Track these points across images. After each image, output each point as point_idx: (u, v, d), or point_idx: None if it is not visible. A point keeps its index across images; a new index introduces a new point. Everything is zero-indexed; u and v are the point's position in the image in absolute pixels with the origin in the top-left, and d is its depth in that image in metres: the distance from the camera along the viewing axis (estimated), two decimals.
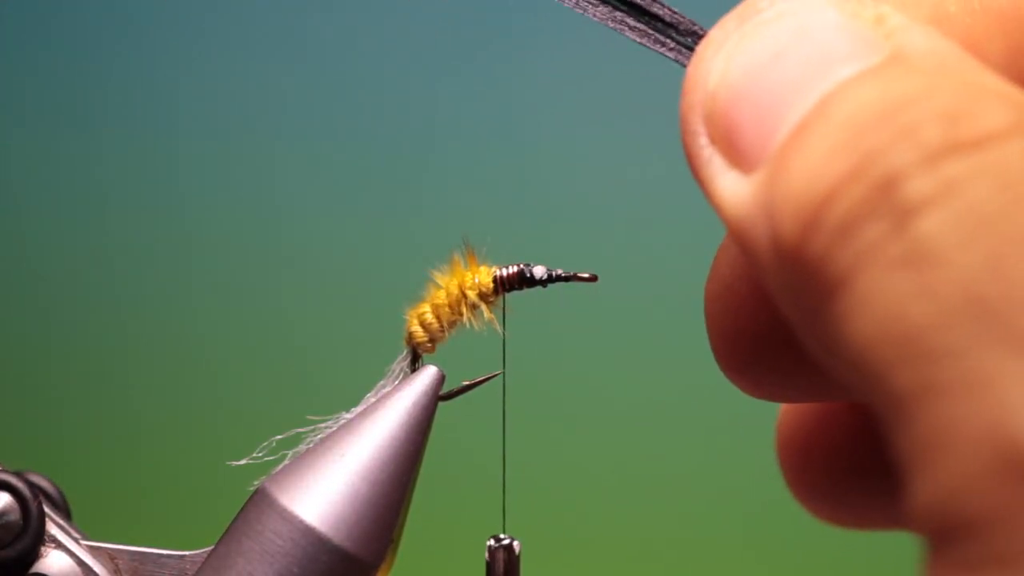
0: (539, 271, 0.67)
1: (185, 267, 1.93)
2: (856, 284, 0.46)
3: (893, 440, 0.45)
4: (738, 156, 0.51)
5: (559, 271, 0.67)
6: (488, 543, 0.67)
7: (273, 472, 0.63)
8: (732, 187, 0.51)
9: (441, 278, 0.66)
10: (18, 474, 0.64)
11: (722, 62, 0.52)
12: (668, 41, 0.58)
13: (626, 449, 1.89)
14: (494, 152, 1.90)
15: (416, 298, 0.67)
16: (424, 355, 0.66)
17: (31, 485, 0.64)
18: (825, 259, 0.48)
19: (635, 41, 0.58)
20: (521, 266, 0.66)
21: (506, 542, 0.67)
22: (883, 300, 0.45)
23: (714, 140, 0.51)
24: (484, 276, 0.66)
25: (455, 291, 0.66)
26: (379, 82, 1.92)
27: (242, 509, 0.62)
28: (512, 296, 0.67)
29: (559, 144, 1.89)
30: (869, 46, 0.50)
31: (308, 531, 0.60)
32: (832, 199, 0.48)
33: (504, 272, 0.66)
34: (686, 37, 0.58)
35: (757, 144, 0.50)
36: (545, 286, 0.67)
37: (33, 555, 0.64)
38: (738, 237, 0.50)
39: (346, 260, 1.93)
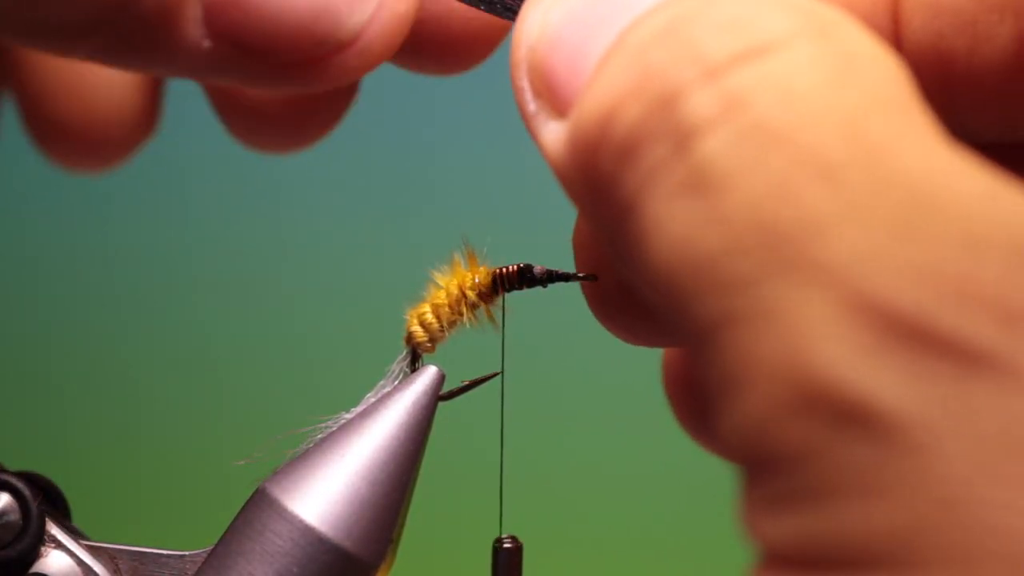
0: (539, 271, 0.66)
1: (185, 267, 1.93)
2: (644, 210, 0.44)
3: (701, 372, 0.43)
4: (557, 103, 0.49)
5: (559, 271, 0.67)
6: (495, 544, 0.67)
7: (273, 472, 0.63)
8: (553, 134, 0.49)
9: (441, 278, 0.66)
10: (18, 474, 0.64)
11: (541, 15, 0.51)
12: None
13: (627, 448, 1.89)
14: (494, 152, 1.90)
15: (416, 298, 0.67)
16: (424, 355, 0.66)
17: (31, 485, 0.64)
18: (613, 184, 0.46)
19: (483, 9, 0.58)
20: (521, 266, 0.66)
21: (508, 543, 0.67)
22: (671, 228, 0.43)
23: (538, 93, 0.50)
24: (484, 276, 0.66)
25: (455, 291, 0.66)
26: (380, 82, 1.92)
27: (242, 509, 0.62)
28: (512, 296, 0.67)
29: None
30: None
31: (308, 531, 0.60)
32: (612, 118, 0.46)
33: (504, 272, 0.66)
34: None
35: (570, 87, 0.49)
36: (545, 286, 0.67)
37: (33, 555, 0.64)
38: (560, 181, 0.49)
39: (346, 260, 1.93)
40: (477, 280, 0.66)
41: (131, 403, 1.97)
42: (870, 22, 0.55)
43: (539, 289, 0.67)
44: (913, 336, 0.40)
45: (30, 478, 0.65)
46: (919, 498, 0.38)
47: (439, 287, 0.66)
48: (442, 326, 0.66)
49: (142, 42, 0.55)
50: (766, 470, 0.41)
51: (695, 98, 0.44)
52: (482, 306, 0.66)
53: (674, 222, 0.43)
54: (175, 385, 1.96)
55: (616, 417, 1.90)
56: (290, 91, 0.61)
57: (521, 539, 0.67)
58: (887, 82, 0.44)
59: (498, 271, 0.66)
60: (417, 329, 0.66)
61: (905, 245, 0.40)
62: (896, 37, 0.55)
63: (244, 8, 0.55)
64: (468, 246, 0.66)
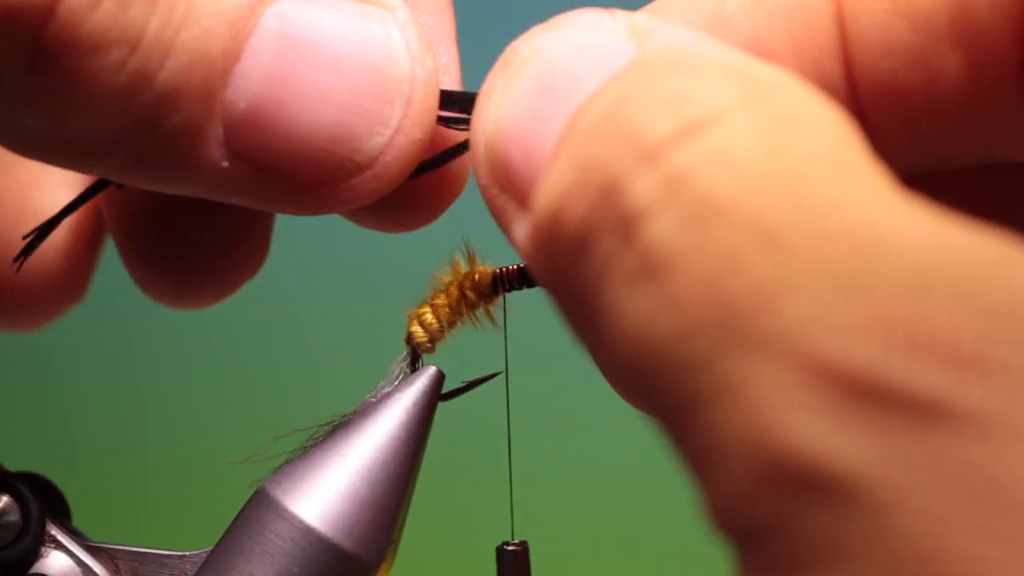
0: None
1: None
2: (600, 302, 0.44)
3: (677, 451, 0.43)
4: (520, 198, 0.49)
5: None
6: (498, 547, 0.67)
7: (273, 472, 0.63)
8: (521, 229, 0.49)
9: (441, 278, 0.66)
10: (18, 474, 0.64)
11: (493, 111, 0.51)
12: None
13: (629, 448, 1.89)
14: None
15: (416, 298, 0.66)
16: (424, 355, 0.66)
17: (31, 485, 0.64)
18: (569, 279, 0.45)
19: None
20: (521, 266, 0.66)
21: (515, 547, 0.67)
22: (628, 317, 0.43)
23: (502, 189, 0.50)
24: (484, 276, 0.66)
25: (455, 291, 0.66)
26: None
27: (242, 509, 0.62)
28: (512, 296, 0.66)
29: None
30: (616, 56, 0.48)
31: (308, 531, 0.60)
32: (560, 214, 0.45)
33: (504, 272, 0.66)
34: None
35: (529, 181, 0.48)
36: None
37: (33, 555, 0.64)
38: (536, 277, 0.49)
39: (346, 260, 1.93)
40: (477, 280, 0.66)
41: (131, 403, 1.97)
42: (821, 69, 0.55)
43: (539, 289, 0.67)
44: (866, 393, 0.39)
45: (30, 478, 0.65)
46: (889, 558, 0.38)
47: (439, 287, 0.66)
48: (442, 326, 0.66)
49: (163, 160, 0.55)
50: (750, 544, 0.41)
51: (635, 184, 0.43)
52: (482, 306, 0.66)
53: (630, 311, 0.43)
54: (175, 385, 1.96)
55: (617, 417, 1.90)
56: (305, 212, 0.61)
57: (526, 539, 0.67)
58: (827, 138, 0.43)
59: (498, 271, 0.66)
60: (417, 329, 0.66)
61: (851, 301, 0.40)
62: (850, 80, 0.55)
63: (264, 130, 0.55)
64: (468, 246, 0.66)
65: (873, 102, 0.55)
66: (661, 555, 1.90)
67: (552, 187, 0.46)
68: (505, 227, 0.50)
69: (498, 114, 0.50)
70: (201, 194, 0.57)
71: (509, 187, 0.50)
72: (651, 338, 0.42)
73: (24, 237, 0.65)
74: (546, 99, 0.49)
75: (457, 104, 0.59)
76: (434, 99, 0.57)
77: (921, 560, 0.37)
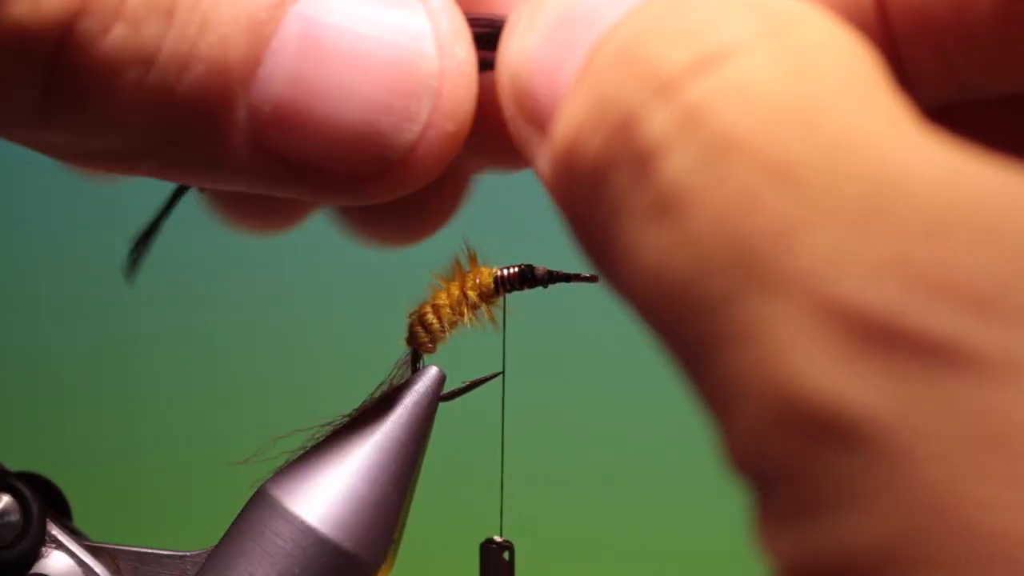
0: (540, 272, 0.66)
1: (186, 267, 1.93)
2: (617, 239, 0.43)
3: (696, 393, 0.42)
4: (544, 128, 0.49)
5: (560, 271, 0.67)
6: (482, 545, 0.67)
7: (274, 473, 0.63)
8: (544, 160, 0.49)
9: (442, 279, 0.66)
10: (18, 474, 0.64)
11: (517, 44, 0.50)
12: None
13: (626, 451, 1.89)
14: None
15: (417, 299, 0.66)
16: (425, 355, 0.66)
17: (32, 485, 0.64)
18: (587, 213, 0.45)
19: None
20: (522, 266, 0.66)
21: (498, 544, 0.67)
22: (644, 255, 0.42)
23: (527, 120, 0.50)
24: (485, 277, 0.66)
25: (456, 292, 0.66)
26: None
27: (243, 509, 0.62)
28: (513, 296, 0.66)
29: None
30: None
31: (309, 531, 0.60)
32: (577, 148, 0.45)
33: (505, 272, 0.66)
34: None
35: (551, 113, 0.48)
36: (546, 286, 0.67)
37: (34, 555, 0.64)
38: (558, 208, 0.48)
39: (347, 261, 1.93)
40: (478, 281, 0.66)
41: (132, 403, 1.97)
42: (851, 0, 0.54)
43: (540, 289, 0.67)
44: (882, 336, 0.38)
45: (31, 479, 0.65)
46: (904, 504, 0.37)
47: (440, 288, 0.66)
48: (443, 327, 0.66)
49: (196, 163, 0.56)
50: (767, 487, 0.40)
51: (651, 119, 0.43)
52: (483, 307, 0.66)
53: (645, 249, 0.42)
54: (176, 385, 1.96)
55: (616, 418, 1.90)
56: (346, 203, 0.61)
57: (522, 540, 0.67)
58: (848, 71, 0.42)
59: (499, 272, 0.66)
60: (418, 329, 0.66)
61: (868, 241, 0.39)
62: (880, 9, 0.55)
63: (293, 130, 0.55)
64: (469, 247, 0.66)
65: (903, 31, 0.54)
66: (662, 557, 1.90)
67: (569, 120, 0.46)
68: (530, 159, 0.50)
69: (522, 47, 0.50)
70: (243, 189, 0.57)
71: (533, 119, 0.49)
72: (667, 277, 0.42)
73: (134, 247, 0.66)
74: (568, 31, 0.48)
75: (491, 43, 0.58)
76: (467, 90, 0.56)
77: (935, 505, 0.37)
